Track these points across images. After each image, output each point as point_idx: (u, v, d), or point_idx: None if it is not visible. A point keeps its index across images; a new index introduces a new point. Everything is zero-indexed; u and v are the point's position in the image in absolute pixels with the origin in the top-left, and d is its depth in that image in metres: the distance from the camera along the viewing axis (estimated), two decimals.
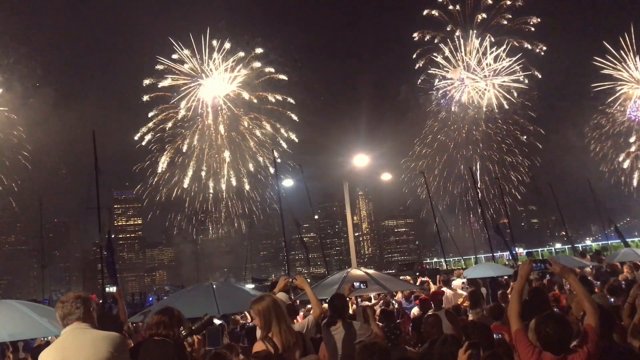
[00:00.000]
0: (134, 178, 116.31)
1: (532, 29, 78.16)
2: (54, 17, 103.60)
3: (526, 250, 36.78)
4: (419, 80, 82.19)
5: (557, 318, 4.45)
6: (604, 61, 73.19)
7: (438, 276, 20.17)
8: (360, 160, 16.77)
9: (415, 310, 13.68)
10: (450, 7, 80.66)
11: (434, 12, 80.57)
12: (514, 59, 77.59)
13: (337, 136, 76.31)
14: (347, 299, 13.52)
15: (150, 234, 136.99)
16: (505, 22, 79.38)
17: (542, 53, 76.55)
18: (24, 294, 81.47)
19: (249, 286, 49.55)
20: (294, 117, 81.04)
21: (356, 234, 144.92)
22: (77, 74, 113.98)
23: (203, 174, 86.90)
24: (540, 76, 76.43)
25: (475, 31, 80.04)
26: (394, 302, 16.11)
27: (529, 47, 77.04)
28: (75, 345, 4.14)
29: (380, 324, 11.74)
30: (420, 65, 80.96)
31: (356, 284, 8.59)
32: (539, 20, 77.93)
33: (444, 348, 5.22)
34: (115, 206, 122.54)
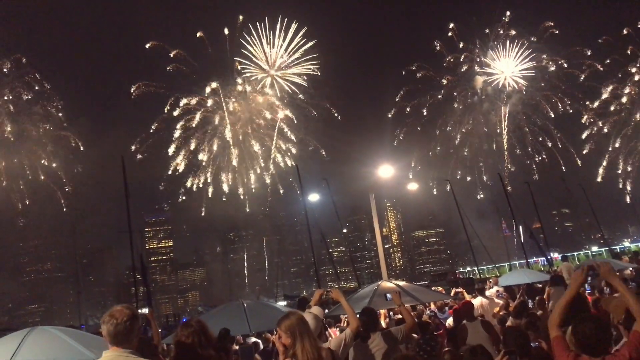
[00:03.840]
0: (163, 201, 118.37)
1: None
2: (84, 53, 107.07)
3: (561, 255, 35.85)
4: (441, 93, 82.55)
5: (594, 319, 4.29)
6: None
7: (476, 285, 19.84)
8: (385, 171, 16.66)
9: (449, 321, 13.46)
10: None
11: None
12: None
13: (361, 147, 76.23)
14: (379, 311, 13.34)
15: (181, 255, 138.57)
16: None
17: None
18: (61, 320, 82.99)
19: (281, 303, 49.49)
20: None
21: (386, 246, 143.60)
22: (110, 103, 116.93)
23: (221, 186, 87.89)
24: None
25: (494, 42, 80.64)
26: (427, 312, 15.88)
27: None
28: None
29: (416, 336, 11.59)
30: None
31: (388, 296, 8.48)
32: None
33: (474, 359, 5.08)
34: (146, 229, 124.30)
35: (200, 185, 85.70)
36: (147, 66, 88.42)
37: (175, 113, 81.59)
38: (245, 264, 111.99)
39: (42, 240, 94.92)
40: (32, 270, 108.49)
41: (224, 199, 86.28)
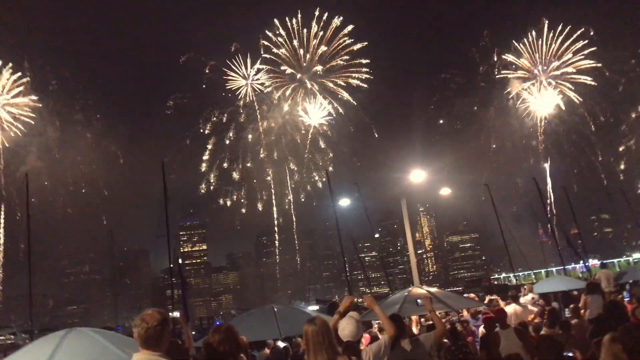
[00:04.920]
0: (198, 205, 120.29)
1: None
2: (123, 64, 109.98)
3: (600, 261, 34.77)
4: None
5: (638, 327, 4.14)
6: None
7: (510, 292, 19.46)
8: (417, 175, 16.52)
9: (482, 329, 13.24)
10: None
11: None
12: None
13: (393, 152, 75.93)
14: (407, 318, 13.20)
15: (214, 259, 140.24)
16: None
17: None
18: (98, 322, 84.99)
19: (313, 307, 49.44)
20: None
21: (419, 252, 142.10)
22: (147, 112, 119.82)
23: (255, 204, 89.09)
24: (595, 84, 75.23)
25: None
26: (454, 320, 15.64)
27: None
28: None
29: (448, 342, 11.43)
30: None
31: (419, 301, 8.39)
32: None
33: None
34: (181, 233, 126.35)
35: (234, 201, 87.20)
36: (183, 77, 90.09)
37: (207, 130, 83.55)
38: (278, 268, 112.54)
39: (81, 243, 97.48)
40: (72, 273, 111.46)
41: (259, 208, 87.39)
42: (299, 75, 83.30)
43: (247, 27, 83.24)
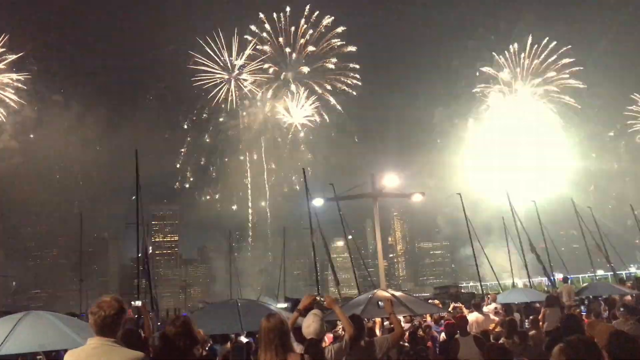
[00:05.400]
0: (172, 195, 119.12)
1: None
2: (107, 43, 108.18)
3: (563, 276, 35.62)
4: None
5: (585, 341, 4.25)
6: None
7: (473, 301, 19.79)
8: (391, 180, 16.66)
9: (443, 335, 13.46)
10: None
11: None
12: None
13: (369, 156, 76.46)
14: (371, 320, 13.33)
15: (186, 251, 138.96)
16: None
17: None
18: (63, 307, 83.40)
19: (282, 305, 49.43)
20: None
21: (391, 256, 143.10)
22: (128, 97, 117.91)
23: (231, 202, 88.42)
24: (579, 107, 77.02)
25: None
26: (415, 324, 15.83)
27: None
28: None
29: (408, 346, 11.58)
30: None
31: (380, 303, 8.51)
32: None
33: None
34: (153, 222, 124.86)
35: (209, 196, 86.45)
36: (166, 68, 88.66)
37: (186, 125, 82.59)
38: (249, 263, 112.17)
39: (51, 226, 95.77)
40: (38, 256, 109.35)
41: (233, 208, 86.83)
42: (283, 74, 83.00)
43: (231, 19, 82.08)
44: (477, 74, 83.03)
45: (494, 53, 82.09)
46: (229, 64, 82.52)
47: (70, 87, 74.61)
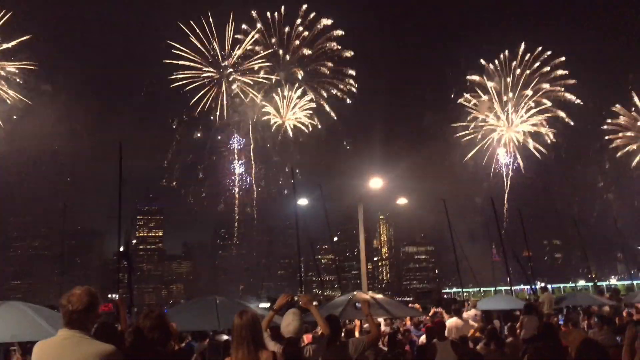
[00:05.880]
0: (159, 191, 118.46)
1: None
2: (100, 33, 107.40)
3: (544, 285, 35.97)
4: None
5: (551, 346, 4.35)
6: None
7: (453, 306, 19.88)
8: (375, 183, 16.72)
9: (422, 339, 13.53)
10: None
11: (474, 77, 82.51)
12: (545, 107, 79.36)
13: (356, 158, 76.63)
14: (350, 322, 13.36)
15: (170, 247, 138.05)
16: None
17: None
18: (43, 299, 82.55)
19: (264, 305, 49.29)
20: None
21: (375, 259, 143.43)
22: (118, 90, 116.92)
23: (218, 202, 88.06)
24: (572, 123, 77.92)
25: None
26: (395, 327, 15.90)
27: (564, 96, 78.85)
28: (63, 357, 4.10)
29: (385, 349, 11.61)
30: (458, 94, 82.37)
31: (357, 305, 8.52)
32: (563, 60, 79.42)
33: None
34: (138, 217, 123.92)
35: (196, 193, 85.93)
36: (157, 62, 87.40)
37: (174, 124, 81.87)
38: (233, 262, 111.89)
39: (33, 217, 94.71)
40: (19, 247, 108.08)
41: (219, 208, 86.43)
42: (275, 76, 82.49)
43: (222, 16, 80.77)
44: (468, 83, 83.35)
45: (482, 60, 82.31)
46: (220, 62, 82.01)
47: (59, 77, 73.68)
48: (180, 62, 79.80)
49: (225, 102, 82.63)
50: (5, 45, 69.71)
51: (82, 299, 4.21)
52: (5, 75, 70.47)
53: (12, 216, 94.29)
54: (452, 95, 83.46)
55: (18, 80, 70.96)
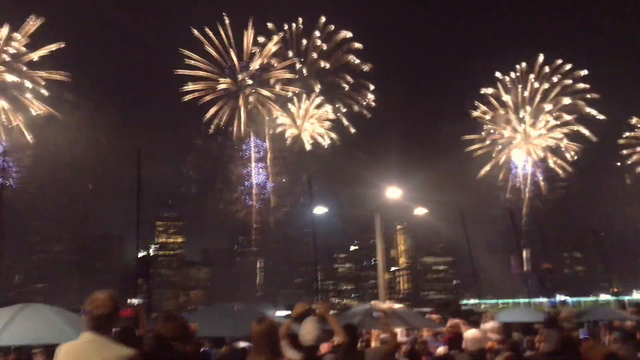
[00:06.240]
0: (178, 198, 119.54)
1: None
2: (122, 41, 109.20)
3: (565, 298, 35.47)
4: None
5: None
6: None
7: (471, 318, 19.69)
8: (393, 192, 16.69)
9: (440, 350, 13.44)
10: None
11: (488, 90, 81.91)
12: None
13: (373, 167, 76.35)
14: (368, 332, 13.30)
15: (189, 253, 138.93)
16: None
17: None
18: (65, 302, 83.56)
19: (282, 313, 49.32)
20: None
21: (393, 269, 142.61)
22: (140, 97, 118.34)
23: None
24: (595, 139, 76.75)
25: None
26: (411, 338, 15.78)
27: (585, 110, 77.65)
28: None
29: None
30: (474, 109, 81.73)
31: (375, 314, 8.52)
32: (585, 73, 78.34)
33: None
34: (158, 223, 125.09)
35: (215, 200, 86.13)
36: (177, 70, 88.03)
37: (194, 133, 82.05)
38: (251, 269, 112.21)
39: (57, 221, 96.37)
40: (42, 250, 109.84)
41: (238, 215, 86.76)
42: (294, 88, 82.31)
43: (238, 26, 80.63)
44: (483, 97, 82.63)
45: (497, 73, 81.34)
46: (237, 73, 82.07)
47: (82, 85, 74.91)
48: (193, 73, 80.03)
49: (242, 115, 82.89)
50: (39, 54, 71.19)
51: (106, 304, 4.34)
52: (33, 85, 71.94)
53: (35, 220, 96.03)
54: (469, 110, 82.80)
55: (42, 90, 72.36)
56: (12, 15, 70.25)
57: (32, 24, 70.11)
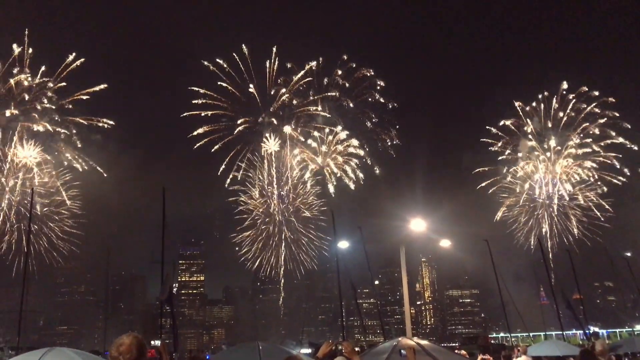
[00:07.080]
0: (201, 236, 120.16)
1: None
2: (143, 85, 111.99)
3: (597, 330, 34.25)
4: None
5: None
6: None
7: (503, 352, 19.10)
8: (418, 224, 16.48)
9: None
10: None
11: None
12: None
13: (396, 199, 75.80)
14: None
15: (211, 291, 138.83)
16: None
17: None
18: (87, 344, 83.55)
19: (306, 350, 48.46)
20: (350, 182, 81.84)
21: (418, 303, 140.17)
22: (163, 136, 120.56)
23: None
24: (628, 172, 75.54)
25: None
26: None
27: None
28: None
29: None
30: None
31: (403, 352, 8.28)
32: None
33: None
34: (180, 262, 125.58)
35: (236, 240, 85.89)
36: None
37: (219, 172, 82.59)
38: (274, 306, 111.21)
39: (79, 262, 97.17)
40: (66, 292, 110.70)
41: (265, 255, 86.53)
42: (314, 130, 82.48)
43: (260, 65, 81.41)
44: (502, 125, 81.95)
45: (518, 103, 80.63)
46: (261, 112, 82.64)
47: (108, 126, 76.22)
48: (210, 113, 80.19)
49: (267, 157, 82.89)
50: (81, 97, 72.77)
51: (132, 349, 4.26)
52: (65, 130, 73.50)
53: (59, 262, 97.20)
54: (489, 142, 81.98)
55: (70, 133, 73.73)
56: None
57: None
